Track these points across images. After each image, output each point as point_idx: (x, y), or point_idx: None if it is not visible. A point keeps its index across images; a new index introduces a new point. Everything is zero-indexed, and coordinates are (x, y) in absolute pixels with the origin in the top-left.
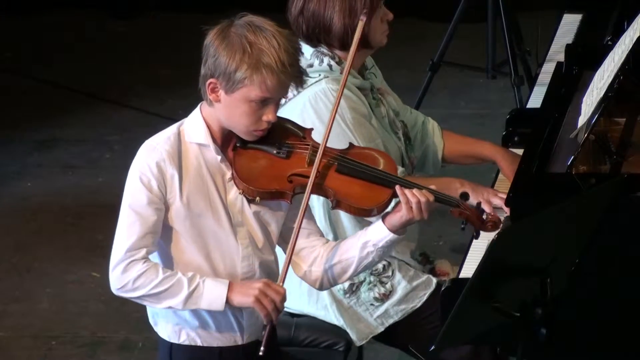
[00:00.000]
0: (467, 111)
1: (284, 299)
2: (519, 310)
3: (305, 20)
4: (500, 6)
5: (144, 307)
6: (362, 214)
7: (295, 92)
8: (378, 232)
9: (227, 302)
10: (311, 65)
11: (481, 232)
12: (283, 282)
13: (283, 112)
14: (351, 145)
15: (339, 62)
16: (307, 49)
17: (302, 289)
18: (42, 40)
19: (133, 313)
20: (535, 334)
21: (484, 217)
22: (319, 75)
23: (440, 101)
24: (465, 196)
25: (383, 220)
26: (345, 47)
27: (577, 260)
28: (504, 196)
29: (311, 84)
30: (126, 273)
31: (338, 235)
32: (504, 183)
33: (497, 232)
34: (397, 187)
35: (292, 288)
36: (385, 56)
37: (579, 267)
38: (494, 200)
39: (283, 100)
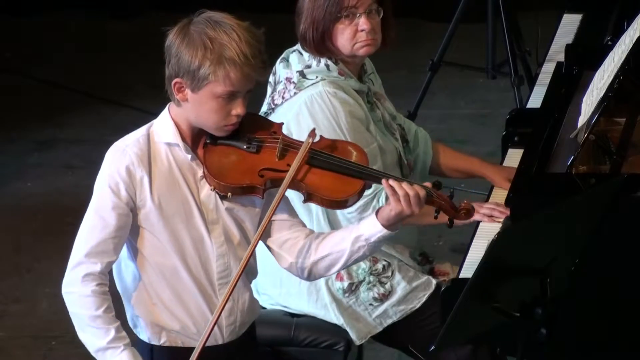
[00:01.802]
0: (467, 111)
1: None
2: (519, 310)
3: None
4: (500, 6)
5: None
6: (335, 207)
7: (291, 93)
8: (371, 227)
9: None
10: (309, 67)
11: (455, 221)
12: None
13: (279, 113)
14: (322, 138)
15: (336, 62)
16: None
17: (302, 289)
18: (42, 40)
19: None
20: (535, 334)
21: (457, 205)
22: (317, 77)
23: (440, 101)
24: (438, 185)
25: (376, 215)
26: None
27: (577, 260)
28: (490, 205)
29: (308, 86)
30: (82, 283)
31: None
32: (501, 190)
33: (468, 219)
34: (383, 181)
35: (291, 288)
36: (385, 56)
37: (579, 267)
38: (481, 210)
39: (280, 101)
